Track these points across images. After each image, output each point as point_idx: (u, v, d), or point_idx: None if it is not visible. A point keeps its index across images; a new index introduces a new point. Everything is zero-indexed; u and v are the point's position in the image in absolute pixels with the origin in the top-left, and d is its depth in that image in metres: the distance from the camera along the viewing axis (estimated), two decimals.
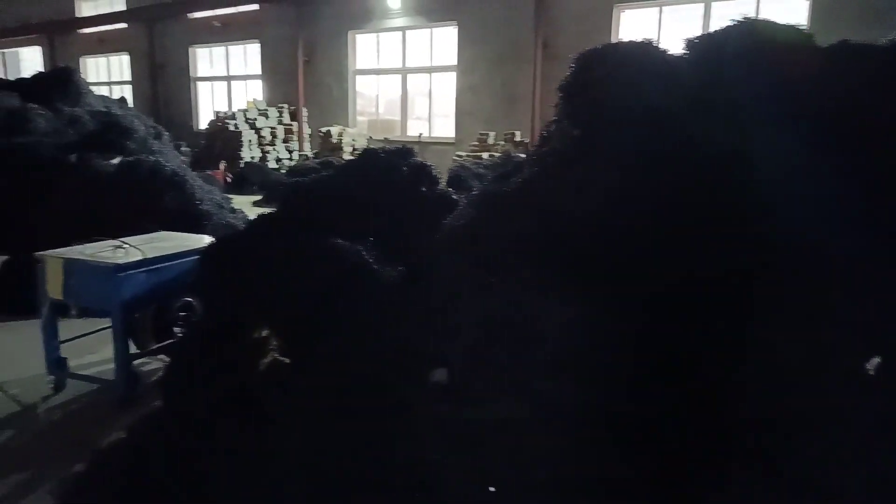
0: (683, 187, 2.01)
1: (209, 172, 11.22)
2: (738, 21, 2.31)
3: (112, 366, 3.40)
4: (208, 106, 19.23)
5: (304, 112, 16.36)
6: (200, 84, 19.72)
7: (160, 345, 3.65)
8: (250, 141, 15.01)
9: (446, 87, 15.05)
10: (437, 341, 2.39)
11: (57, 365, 3.49)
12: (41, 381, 3.54)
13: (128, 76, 21.37)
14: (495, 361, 2.12)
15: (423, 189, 3.06)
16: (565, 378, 1.96)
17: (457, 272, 2.32)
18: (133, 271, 3.17)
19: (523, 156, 11.27)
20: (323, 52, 16.16)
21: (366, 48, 16.17)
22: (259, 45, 17.60)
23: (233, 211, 6.79)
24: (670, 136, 2.07)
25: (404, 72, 15.57)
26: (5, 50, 25.70)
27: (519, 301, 2.10)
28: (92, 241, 3.40)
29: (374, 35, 15.81)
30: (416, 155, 3.15)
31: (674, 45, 2.42)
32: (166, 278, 3.33)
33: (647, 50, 2.31)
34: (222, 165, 13.51)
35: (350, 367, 2.42)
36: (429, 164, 3.16)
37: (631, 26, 12.35)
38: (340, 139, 14.88)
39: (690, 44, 2.32)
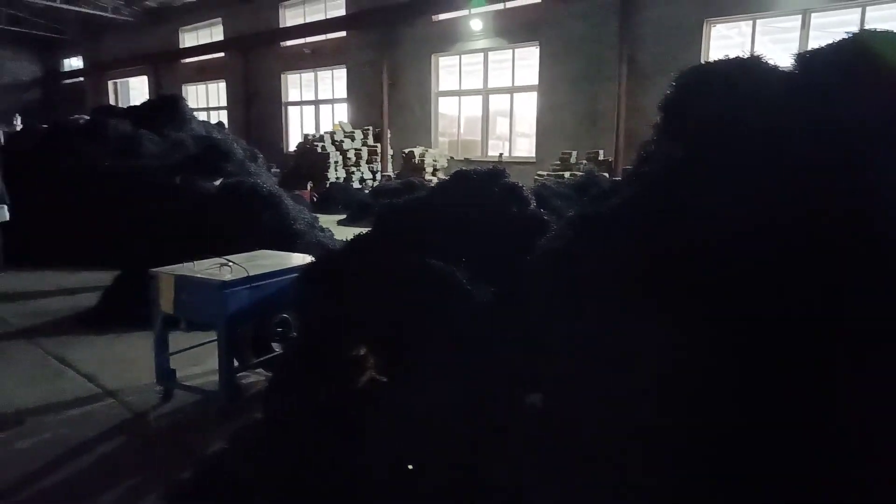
0: (795, 209, 1.92)
1: (297, 192, 11.68)
2: (854, 33, 2.19)
3: (215, 377, 3.56)
4: (297, 129, 20.10)
5: (388, 133, 16.79)
6: (290, 108, 20.67)
7: (260, 359, 3.79)
8: (336, 162, 15.53)
9: (527, 107, 15.07)
10: (532, 364, 2.37)
11: (166, 375, 3.68)
12: (151, 390, 3.76)
13: (224, 102, 22.74)
14: (591, 386, 2.08)
15: (514, 209, 3.06)
16: (663, 404, 1.90)
17: (553, 294, 2.30)
18: (238, 288, 3.32)
19: (606, 175, 11.11)
20: (407, 74, 16.57)
21: (448, 70, 16.46)
22: (346, 69, 18.26)
23: (322, 230, 7.03)
24: (780, 157, 1.98)
25: (486, 92, 15.74)
26: (118, 80, 27.92)
27: (617, 324, 2.05)
28: (199, 259, 3.57)
29: (457, 57, 16.07)
30: (507, 176, 3.16)
31: (771, 59, 2.32)
32: (267, 295, 3.46)
33: (753, 66, 2.23)
34: (309, 185, 14.04)
35: (444, 388, 2.43)
36: (520, 184, 3.16)
37: (722, 41, 11.90)
38: (422, 160, 15.15)
39: (801, 59, 2.21)
